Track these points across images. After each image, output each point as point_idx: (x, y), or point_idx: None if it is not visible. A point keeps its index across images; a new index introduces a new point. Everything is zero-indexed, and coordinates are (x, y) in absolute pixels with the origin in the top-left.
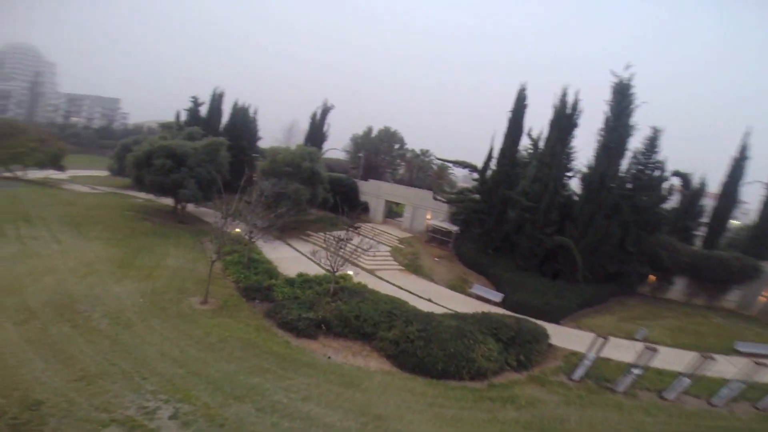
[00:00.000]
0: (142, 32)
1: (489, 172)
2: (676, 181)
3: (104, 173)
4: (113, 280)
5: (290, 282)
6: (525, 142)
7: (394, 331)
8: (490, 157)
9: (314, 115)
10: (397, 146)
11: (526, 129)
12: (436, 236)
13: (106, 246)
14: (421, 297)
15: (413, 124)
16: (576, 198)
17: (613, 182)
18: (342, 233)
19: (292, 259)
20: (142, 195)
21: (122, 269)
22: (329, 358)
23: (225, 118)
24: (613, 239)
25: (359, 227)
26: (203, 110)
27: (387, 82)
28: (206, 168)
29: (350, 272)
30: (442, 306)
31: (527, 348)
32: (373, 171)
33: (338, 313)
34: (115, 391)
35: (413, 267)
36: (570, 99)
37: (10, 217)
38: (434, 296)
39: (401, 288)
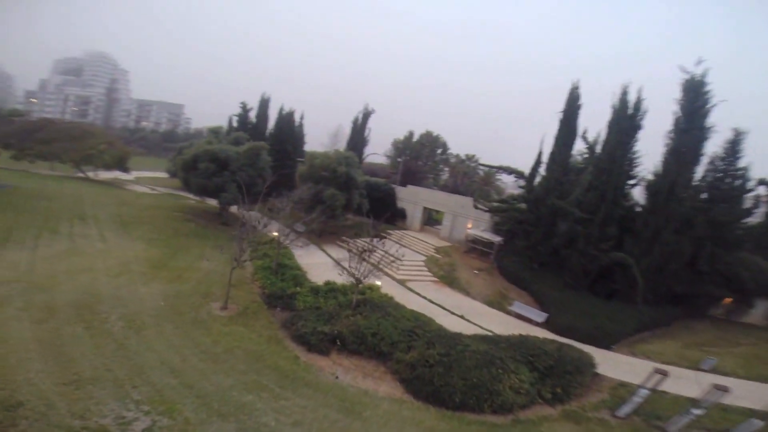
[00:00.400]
0: (203, 43)
1: (538, 179)
2: (762, 191)
3: (165, 175)
4: (142, 282)
5: (315, 290)
6: (579, 146)
7: (412, 353)
8: (538, 162)
9: (356, 119)
10: (439, 151)
11: (580, 131)
12: (476, 247)
13: (147, 246)
14: (452, 313)
15: (458, 129)
16: (639, 209)
17: (684, 192)
18: (368, 241)
19: (323, 265)
20: (193, 196)
21: (155, 270)
22: (336, 377)
23: (271, 123)
24: (682, 257)
25: (385, 237)
26: (253, 116)
27: (429, 84)
28: (247, 172)
29: (378, 282)
30: (476, 324)
31: (566, 379)
32: (411, 176)
33: (355, 328)
34: (99, 397)
35: (449, 279)
36: (631, 98)
37: (69, 215)
38: (468, 313)
39: (432, 302)
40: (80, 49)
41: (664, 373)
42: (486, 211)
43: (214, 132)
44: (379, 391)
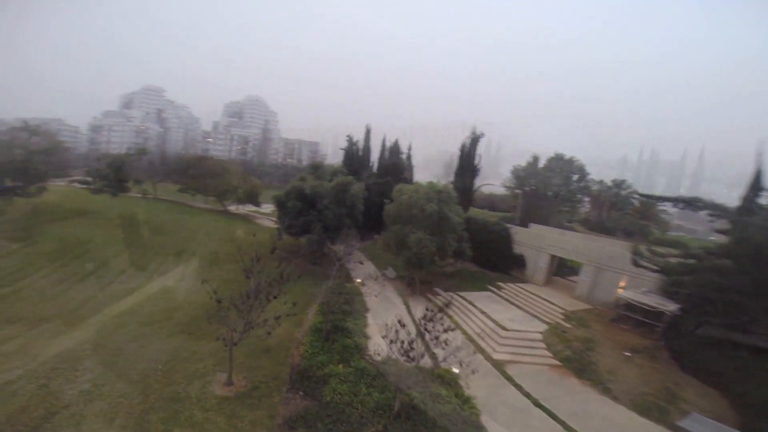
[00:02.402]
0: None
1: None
2: None
3: None
4: (167, 334)
5: (360, 373)
6: None
7: None
8: (755, 190)
9: (463, 146)
10: (575, 177)
11: None
12: (631, 315)
13: (216, 289)
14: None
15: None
16: None
17: None
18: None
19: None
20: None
21: (194, 320)
22: None
23: (375, 155)
24: None
25: (451, 328)
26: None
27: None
28: (332, 210)
29: (455, 370)
30: None
31: None
32: (536, 212)
33: None
34: None
35: (578, 364)
36: None
37: (170, 251)
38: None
39: (539, 405)
40: (242, 94)
41: None
42: (656, 271)
43: (314, 167)
44: None
